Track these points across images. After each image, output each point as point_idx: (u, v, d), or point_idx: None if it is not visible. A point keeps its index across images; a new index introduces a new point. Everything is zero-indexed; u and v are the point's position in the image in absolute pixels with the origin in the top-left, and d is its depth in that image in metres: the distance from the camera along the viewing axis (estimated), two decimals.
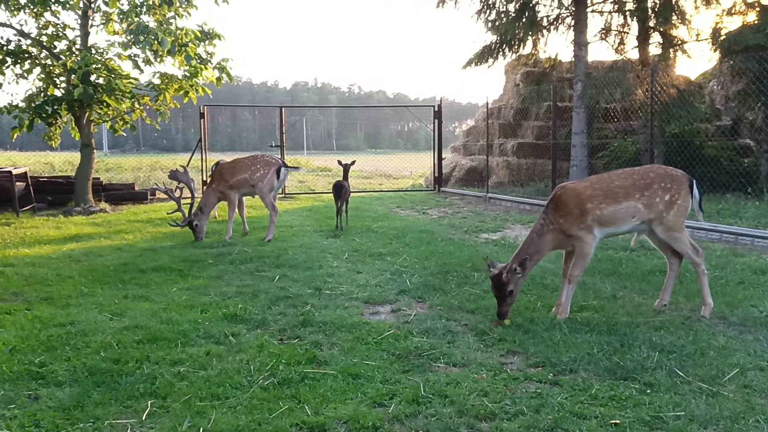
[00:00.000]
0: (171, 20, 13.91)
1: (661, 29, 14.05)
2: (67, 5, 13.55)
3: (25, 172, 14.06)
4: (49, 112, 13.97)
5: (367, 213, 12.91)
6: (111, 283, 6.83)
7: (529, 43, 15.80)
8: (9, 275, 7.16)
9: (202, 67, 13.90)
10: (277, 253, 8.38)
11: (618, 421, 3.44)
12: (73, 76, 13.12)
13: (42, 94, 14.26)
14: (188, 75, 14.04)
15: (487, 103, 18.21)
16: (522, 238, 8.61)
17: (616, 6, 15.05)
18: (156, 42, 12.61)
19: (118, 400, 3.77)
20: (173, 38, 12.94)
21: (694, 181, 5.51)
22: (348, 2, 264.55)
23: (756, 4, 13.01)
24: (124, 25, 13.41)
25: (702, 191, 5.73)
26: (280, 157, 16.04)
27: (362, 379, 4.06)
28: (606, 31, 15.40)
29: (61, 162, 25.85)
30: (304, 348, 4.65)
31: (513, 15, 15.01)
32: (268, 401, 3.74)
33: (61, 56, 13.98)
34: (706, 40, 13.55)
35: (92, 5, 13.97)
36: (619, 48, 15.37)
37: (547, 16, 15.53)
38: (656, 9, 13.95)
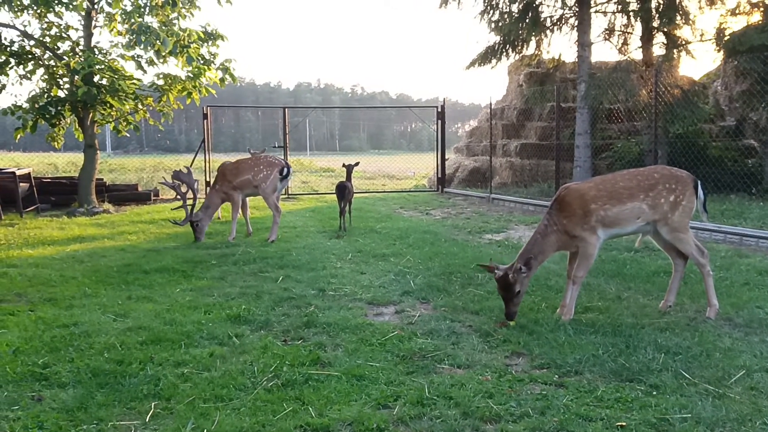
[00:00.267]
0: (174, 21, 13.93)
1: (665, 29, 14.02)
2: (71, 6, 13.58)
3: (29, 173, 14.07)
4: (53, 113, 14.00)
5: (371, 214, 12.90)
6: (114, 284, 6.83)
7: (533, 43, 15.79)
8: (12, 276, 7.16)
9: (206, 67, 13.92)
10: (281, 254, 8.37)
11: (624, 423, 3.42)
12: (77, 76, 13.13)
13: (45, 95, 14.29)
14: (191, 76, 14.05)
15: (491, 104, 18.19)
16: (526, 238, 8.57)
17: (619, 6, 15.02)
18: (158, 42, 12.62)
19: (122, 402, 3.76)
20: (175, 39, 12.95)
21: (699, 182, 5.49)
22: (351, 3, 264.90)
23: (760, 5, 12.98)
24: (127, 26, 13.43)
25: (706, 192, 5.70)
26: (283, 157, 16.06)
27: (366, 380, 4.04)
28: (609, 31, 15.38)
29: (65, 163, 25.92)
30: (308, 349, 4.63)
31: (516, 15, 15.00)
32: (272, 403, 3.73)
33: (65, 57, 14.00)
34: (710, 40, 13.53)
35: (95, 6, 13.99)
36: (623, 48, 15.34)
37: (551, 17, 15.52)
38: (660, 9, 13.92)
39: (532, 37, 15.44)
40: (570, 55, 16.69)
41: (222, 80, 14.21)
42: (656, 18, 14.03)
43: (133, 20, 13.08)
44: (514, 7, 15.22)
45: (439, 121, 18.84)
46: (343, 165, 11.12)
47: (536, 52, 16.31)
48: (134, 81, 14.18)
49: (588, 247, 5.35)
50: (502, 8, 15.51)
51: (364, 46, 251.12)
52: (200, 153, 16.83)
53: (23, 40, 13.97)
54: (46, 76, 14.38)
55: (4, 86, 14.17)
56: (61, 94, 14.34)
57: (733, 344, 4.63)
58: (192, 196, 9.94)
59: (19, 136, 14.27)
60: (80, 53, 13.82)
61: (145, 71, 13.95)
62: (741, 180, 12.73)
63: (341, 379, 4.05)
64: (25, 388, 3.98)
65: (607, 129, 16.10)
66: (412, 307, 5.85)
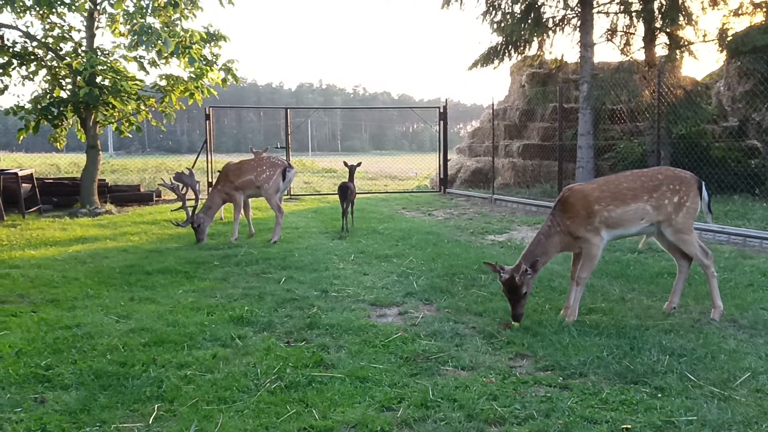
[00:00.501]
0: (176, 22, 13.94)
1: (668, 30, 13.97)
2: (73, 7, 13.58)
3: (31, 174, 14.08)
4: (55, 114, 14.00)
5: (373, 214, 12.89)
6: (117, 285, 6.82)
7: (535, 44, 15.74)
8: (15, 277, 7.15)
9: (208, 68, 13.92)
10: (283, 255, 8.36)
11: (629, 426, 3.40)
12: (79, 77, 13.14)
13: (48, 96, 14.31)
14: (194, 76, 14.06)
15: (493, 105, 18.17)
16: (528, 239, 8.57)
17: (622, 7, 14.97)
18: (160, 43, 12.63)
19: (125, 404, 3.75)
20: (177, 40, 12.95)
21: (703, 183, 5.47)
22: (353, 3, 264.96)
23: (763, 5, 12.94)
24: (129, 27, 13.43)
25: (710, 193, 5.68)
26: (285, 158, 16.05)
27: (370, 382, 4.03)
28: (612, 32, 15.33)
29: (67, 163, 25.93)
30: (311, 351, 4.62)
31: (519, 16, 14.96)
32: (276, 405, 3.71)
33: (67, 58, 14.01)
34: (712, 41, 13.46)
35: (98, 7, 13.99)
36: (626, 49, 15.30)
37: (553, 17, 15.48)
38: (663, 10, 13.88)
39: (535, 38, 15.40)
40: (572, 56, 16.60)
41: (224, 81, 14.22)
42: (659, 19, 13.99)
43: (135, 21, 13.08)
44: (517, 8, 15.18)
45: (441, 122, 18.83)
46: (346, 165, 11.10)
47: (538, 52, 16.27)
48: (136, 82, 14.18)
49: (592, 248, 5.33)
50: (505, 9, 15.48)
51: (366, 46, 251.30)
52: (202, 153, 16.83)
53: (26, 41, 13.99)
54: (48, 77, 14.40)
55: (6, 87, 14.19)
56: (64, 95, 14.35)
57: (738, 346, 4.61)
58: (194, 197, 9.93)
59: (21, 137, 14.28)
60: (83, 54, 13.84)
61: (147, 72, 14.02)
62: (744, 181, 12.70)
63: (345, 381, 4.04)
64: (27, 389, 3.97)
65: (609, 130, 16.06)
66: (416, 309, 5.84)
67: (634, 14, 14.78)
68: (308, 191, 19.57)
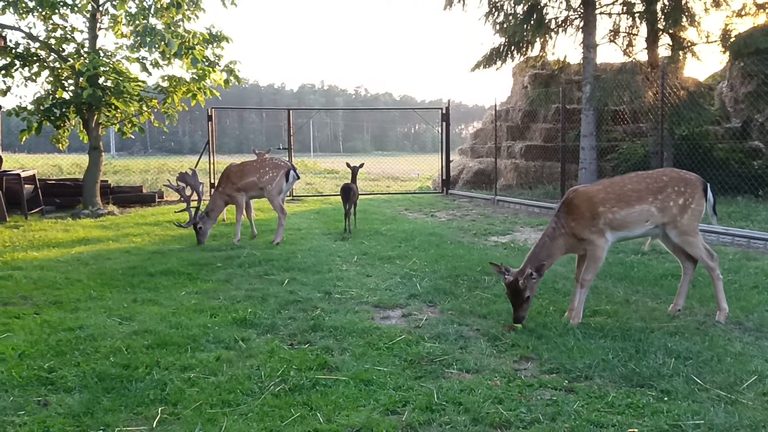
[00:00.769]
0: (179, 23, 13.93)
1: (671, 31, 13.95)
2: (76, 8, 13.58)
3: (34, 175, 14.07)
4: (58, 115, 13.99)
5: (376, 216, 12.86)
6: (120, 286, 6.81)
7: (537, 45, 15.75)
8: (18, 279, 7.14)
9: (210, 69, 13.91)
10: (286, 257, 8.34)
11: (636, 430, 3.38)
12: (82, 78, 13.13)
13: (50, 97, 14.29)
14: (196, 78, 14.05)
15: (495, 106, 18.15)
16: (531, 241, 8.55)
17: (624, 8, 14.96)
18: (163, 44, 12.61)
19: (129, 407, 3.73)
20: (180, 41, 12.94)
21: (708, 185, 5.45)
22: (354, 4, 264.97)
23: (766, 6, 12.92)
24: (131, 28, 13.42)
25: (715, 195, 5.66)
26: (288, 159, 16.04)
27: (374, 385, 4.01)
28: (615, 33, 15.30)
29: (69, 164, 25.92)
30: (315, 353, 4.60)
31: (521, 17, 14.94)
32: (280, 408, 3.70)
33: (70, 59, 14.00)
34: (715, 42, 13.45)
35: (100, 8, 13.99)
36: (628, 50, 15.28)
37: (556, 18, 15.46)
38: (665, 11, 13.85)
39: (537, 39, 15.40)
40: (575, 57, 16.62)
41: (227, 82, 14.22)
42: (661, 20, 13.96)
43: (137, 22, 13.07)
44: (519, 9, 15.16)
45: (444, 123, 18.81)
46: (348, 166, 11.08)
47: (541, 53, 16.26)
48: (139, 83, 14.17)
49: (596, 250, 5.31)
50: (507, 10, 15.47)
51: (367, 47, 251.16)
52: (204, 154, 16.83)
53: (28, 42, 13.98)
54: (51, 78, 14.38)
55: (9, 88, 14.18)
56: (66, 96, 14.33)
57: (744, 349, 4.59)
58: (197, 198, 9.91)
59: (24, 138, 14.27)
60: (85, 55, 13.83)
61: (149, 73, 13.99)
62: (747, 182, 12.67)
63: (349, 384, 4.02)
64: (30, 392, 3.96)
65: (612, 131, 16.04)
66: (419, 311, 5.82)
67: (636, 15, 14.77)
68: (310, 192, 19.56)
